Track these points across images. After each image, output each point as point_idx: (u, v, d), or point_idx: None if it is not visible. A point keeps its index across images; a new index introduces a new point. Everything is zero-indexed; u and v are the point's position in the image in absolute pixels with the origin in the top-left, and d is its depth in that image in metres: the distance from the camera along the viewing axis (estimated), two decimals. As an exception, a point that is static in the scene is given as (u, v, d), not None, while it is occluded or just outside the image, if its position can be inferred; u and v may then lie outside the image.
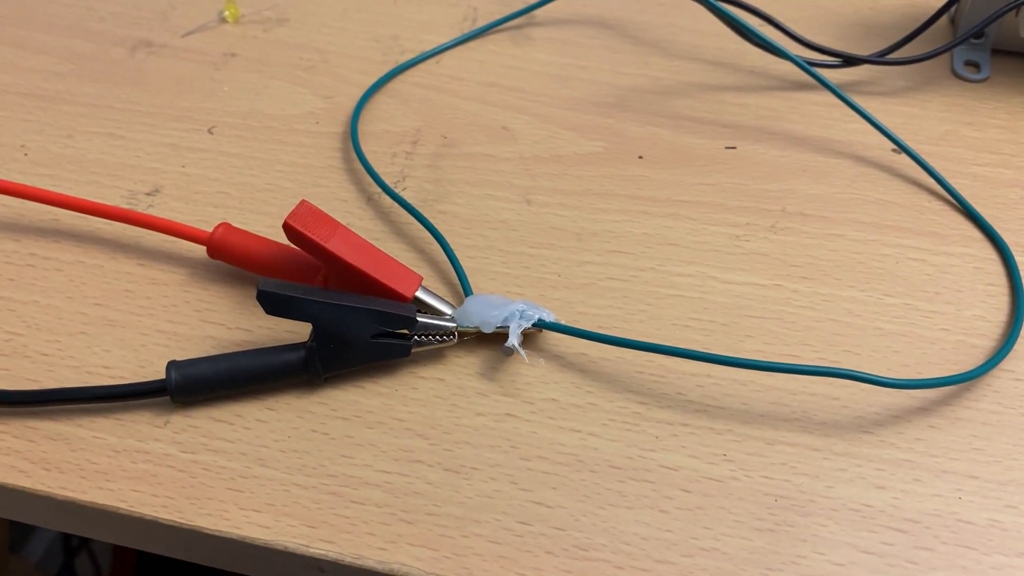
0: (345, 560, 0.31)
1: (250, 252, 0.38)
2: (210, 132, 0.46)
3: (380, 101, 0.48)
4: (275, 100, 0.48)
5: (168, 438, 0.34)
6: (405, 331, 0.35)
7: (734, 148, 0.46)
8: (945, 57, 0.51)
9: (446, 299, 0.37)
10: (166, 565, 0.73)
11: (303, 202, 0.36)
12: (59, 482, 0.32)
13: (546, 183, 0.43)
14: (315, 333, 0.34)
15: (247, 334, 0.37)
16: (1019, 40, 0.50)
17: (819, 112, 0.48)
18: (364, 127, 0.46)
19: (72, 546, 0.86)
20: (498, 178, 0.44)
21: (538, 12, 0.54)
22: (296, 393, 0.35)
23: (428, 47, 0.51)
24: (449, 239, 0.40)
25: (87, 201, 0.39)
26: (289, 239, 0.36)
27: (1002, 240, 0.41)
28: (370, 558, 0.31)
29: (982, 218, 0.42)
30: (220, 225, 0.38)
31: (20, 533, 0.85)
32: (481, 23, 0.53)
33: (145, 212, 0.40)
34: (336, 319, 0.34)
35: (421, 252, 0.40)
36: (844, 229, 0.42)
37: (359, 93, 0.48)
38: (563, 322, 0.36)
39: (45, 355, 0.36)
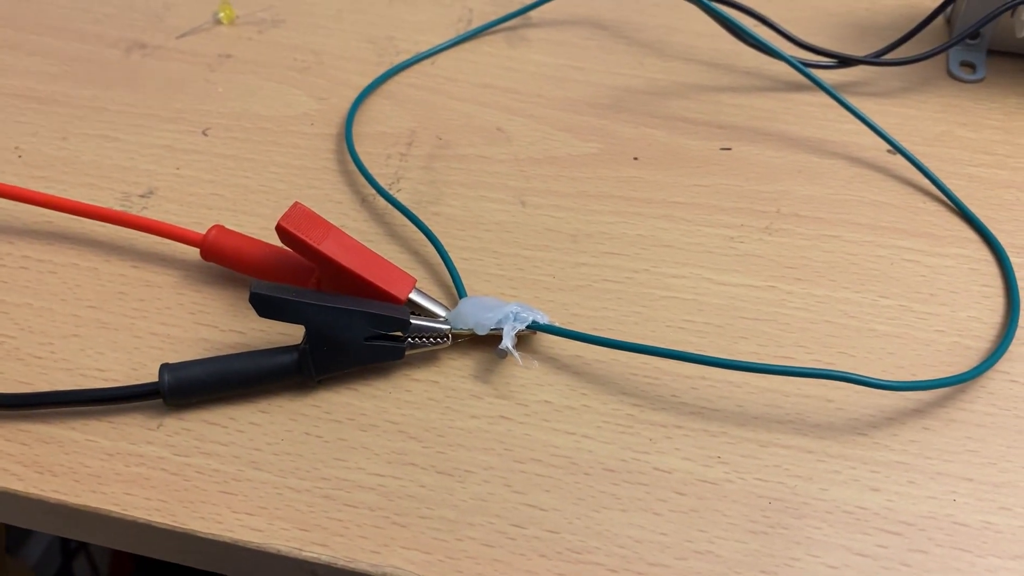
0: (338, 563, 0.31)
1: (243, 254, 0.38)
2: (204, 134, 0.46)
3: (375, 102, 0.48)
4: (270, 101, 0.48)
5: (161, 441, 0.34)
6: (399, 333, 0.35)
7: (729, 149, 0.46)
8: (941, 58, 0.51)
9: (440, 301, 0.37)
10: (164, 568, 0.73)
11: (296, 204, 0.36)
12: (52, 485, 0.32)
13: (541, 184, 0.43)
14: (308, 335, 0.34)
15: (240, 336, 0.37)
16: (1015, 41, 0.50)
17: (814, 113, 0.48)
18: (359, 128, 0.46)
19: (70, 548, 0.86)
20: (493, 179, 0.44)
21: (533, 13, 0.54)
22: (289, 396, 0.35)
23: (423, 48, 0.51)
24: (443, 241, 0.40)
25: (81, 203, 0.39)
26: (282, 241, 0.35)
27: (997, 241, 0.41)
28: (363, 561, 0.31)
29: (977, 219, 0.42)
30: (213, 227, 0.38)
31: (17, 535, 0.85)
32: (476, 24, 0.53)
33: (139, 214, 0.40)
34: (329, 321, 0.34)
35: (415, 254, 0.40)
36: (839, 230, 0.42)
37: (354, 94, 0.48)
38: (557, 324, 0.36)
39: (38, 358, 0.36)
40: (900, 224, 0.42)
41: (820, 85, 0.45)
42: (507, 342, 0.35)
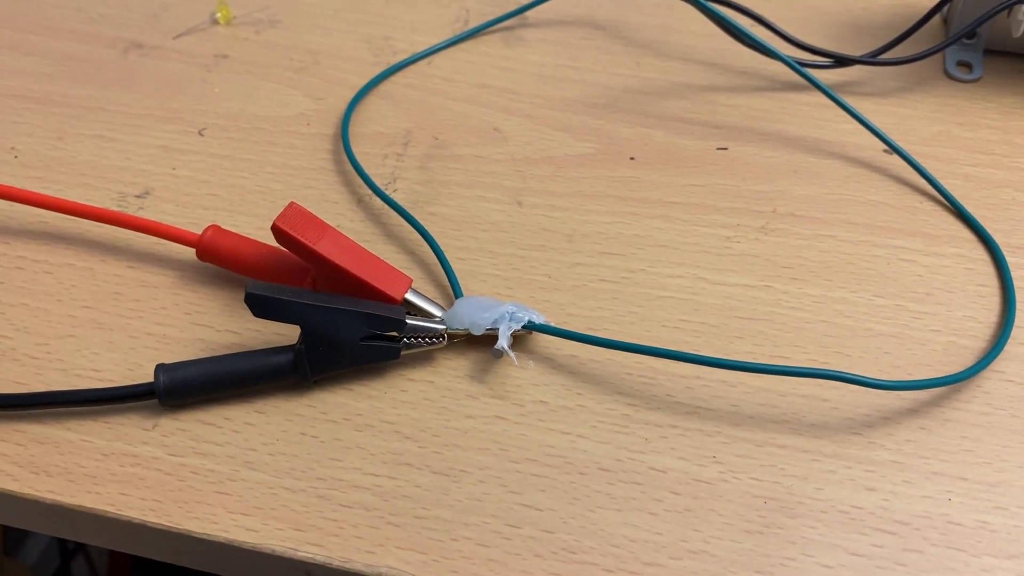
0: (333, 563, 0.31)
1: (239, 254, 0.38)
2: (201, 134, 0.46)
3: (371, 102, 0.48)
4: (266, 102, 0.48)
5: (156, 441, 0.34)
6: (394, 333, 0.35)
7: (725, 149, 0.46)
8: (937, 57, 0.51)
9: (436, 301, 0.37)
10: (162, 569, 0.73)
11: (292, 204, 0.36)
12: (47, 486, 0.32)
13: (537, 184, 0.43)
14: (304, 335, 0.34)
15: (236, 336, 0.37)
16: (1012, 40, 0.50)
17: (810, 113, 0.48)
18: (355, 129, 0.46)
19: (68, 549, 0.86)
20: (489, 179, 0.44)
21: (530, 13, 0.53)
22: (285, 396, 0.35)
23: (420, 48, 0.51)
24: (439, 241, 0.40)
25: (77, 203, 0.39)
26: (278, 241, 0.35)
27: (993, 240, 0.41)
28: (358, 561, 0.31)
29: (973, 219, 0.42)
30: (209, 227, 0.38)
31: (15, 536, 0.85)
32: (473, 24, 0.52)
33: (135, 214, 0.40)
34: (325, 321, 0.34)
35: (411, 254, 0.40)
36: (835, 230, 0.42)
37: (350, 94, 0.48)
38: (553, 324, 0.36)
39: (34, 358, 0.36)
40: (896, 224, 0.42)
41: (817, 85, 0.45)
42: (503, 342, 0.35)
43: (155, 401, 0.34)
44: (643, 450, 0.34)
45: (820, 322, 0.38)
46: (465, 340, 0.36)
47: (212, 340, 0.37)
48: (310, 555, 0.31)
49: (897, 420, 0.35)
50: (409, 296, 0.36)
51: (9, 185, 0.40)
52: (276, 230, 0.35)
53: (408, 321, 0.35)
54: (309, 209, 0.36)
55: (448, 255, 0.39)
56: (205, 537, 0.31)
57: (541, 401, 0.35)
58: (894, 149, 0.44)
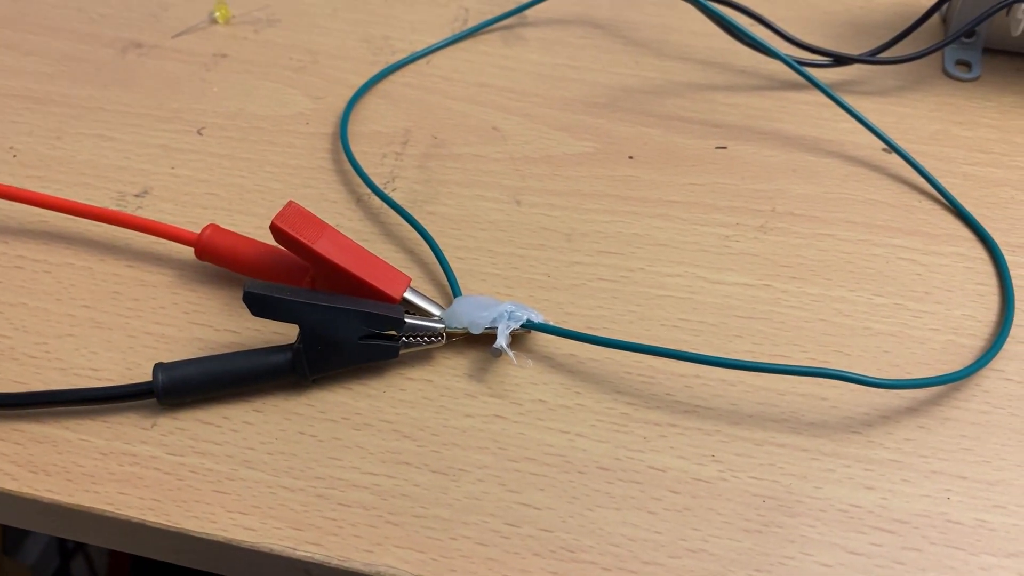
0: (332, 563, 0.31)
1: (238, 253, 0.38)
2: (200, 133, 0.46)
3: (370, 102, 0.48)
4: (265, 101, 0.48)
5: (155, 440, 0.34)
6: (393, 332, 0.35)
7: (724, 148, 0.46)
8: (936, 56, 0.51)
9: (435, 300, 0.37)
10: (162, 568, 0.73)
11: (291, 203, 0.36)
12: (46, 485, 0.32)
13: (536, 183, 0.43)
14: (302, 335, 0.34)
15: (235, 336, 0.37)
16: (1010, 39, 0.50)
17: (809, 112, 0.48)
18: (354, 128, 0.46)
19: (68, 549, 0.86)
20: (488, 179, 0.44)
21: (529, 12, 0.54)
22: (283, 395, 0.35)
23: (419, 47, 0.51)
24: (438, 240, 0.40)
25: (76, 203, 0.39)
26: (277, 240, 0.35)
27: (992, 239, 0.41)
28: (357, 560, 0.31)
29: (972, 217, 0.42)
30: (208, 226, 0.38)
31: (15, 536, 0.85)
32: (472, 23, 0.53)
33: (134, 214, 0.40)
34: (323, 321, 0.34)
35: (410, 253, 0.40)
36: (834, 229, 0.42)
37: (349, 94, 0.48)
38: (552, 323, 0.36)
39: (33, 357, 0.36)
40: (895, 222, 0.42)
41: (816, 84, 0.45)
42: (501, 341, 0.35)
43: (154, 400, 0.34)
44: (642, 449, 0.34)
45: (819, 321, 0.38)
46: (464, 339, 0.36)
47: (211, 339, 0.37)
48: (309, 554, 0.31)
49: (896, 419, 0.35)
50: (408, 295, 0.36)
51: (8, 184, 0.40)
52: (275, 229, 0.35)
53: (407, 320, 0.35)
54: (308, 208, 0.36)
55: (447, 254, 0.39)
56: (204, 536, 0.31)
57: (540, 400, 0.35)
58: (893, 148, 0.44)
